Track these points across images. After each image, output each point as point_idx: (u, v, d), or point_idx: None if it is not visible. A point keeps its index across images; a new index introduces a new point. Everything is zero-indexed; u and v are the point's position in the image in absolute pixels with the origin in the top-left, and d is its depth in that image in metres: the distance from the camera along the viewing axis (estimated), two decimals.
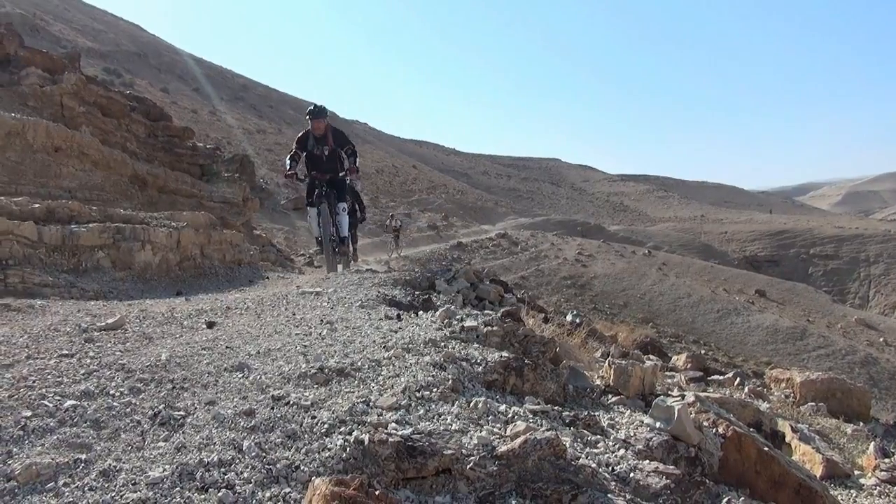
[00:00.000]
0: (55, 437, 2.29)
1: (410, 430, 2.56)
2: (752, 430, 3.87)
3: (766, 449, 3.43)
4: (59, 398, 2.59)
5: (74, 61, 16.74)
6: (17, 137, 10.78)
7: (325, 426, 2.53)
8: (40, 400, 2.55)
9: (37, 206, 8.42)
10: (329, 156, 9.41)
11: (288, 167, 9.32)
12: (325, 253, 9.50)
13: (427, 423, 2.71)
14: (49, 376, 2.87)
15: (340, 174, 9.51)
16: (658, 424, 3.24)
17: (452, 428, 2.69)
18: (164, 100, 49.94)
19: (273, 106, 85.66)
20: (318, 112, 9.33)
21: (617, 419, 3.50)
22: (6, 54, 14.34)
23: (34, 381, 2.78)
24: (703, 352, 22.18)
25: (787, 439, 5.09)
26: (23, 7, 55.47)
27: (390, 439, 2.39)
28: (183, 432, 2.42)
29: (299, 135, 9.61)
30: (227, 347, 3.62)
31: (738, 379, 9.41)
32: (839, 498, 4.13)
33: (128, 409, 2.57)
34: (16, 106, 12.51)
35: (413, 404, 2.86)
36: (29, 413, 2.43)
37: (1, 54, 14.19)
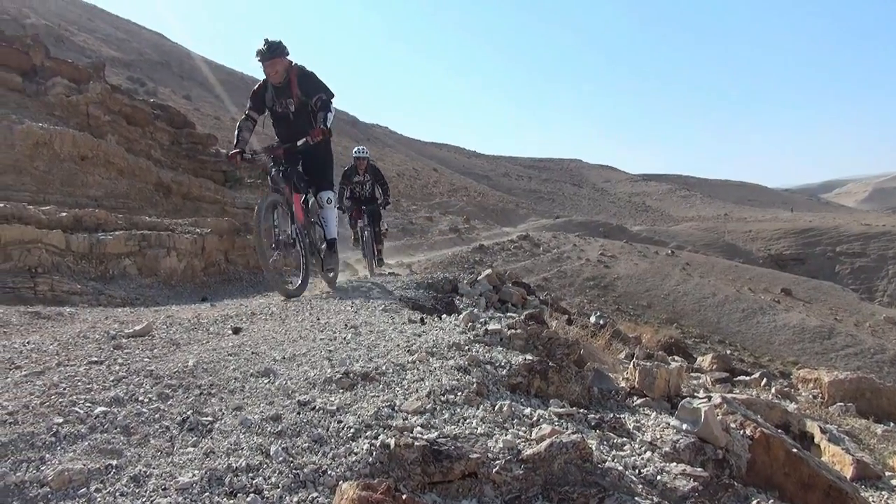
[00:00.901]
0: (86, 444, 2.32)
1: (436, 434, 2.57)
2: (780, 431, 3.83)
3: (794, 450, 3.39)
4: (89, 405, 2.63)
5: (99, 71, 16.98)
6: (45, 147, 10.96)
7: (352, 431, 2.54)
8: (71, 406, 2.59)
9: (64, 214, 8.55)
10: (298, 112, 6.74)
11: (235, 142, 6.70)
12: (266, 268, 6.19)
13: (452, 426, 2.72)
14: (79, 383, 2.91)
15: (302, 141, 6.53)
16: (685, 426, 3.22)
17: (478, 432, 2.69)
18: (186, 107, 50.49)
19: None
20: (272, 49, 6.42)
21: (643, 421, 3.48)
22: (33, 65, 14.59)
23: (65, 388, 2.82)
24: (728, 352, 21.96)
25: (816, 440, 5.03)
26: (48, 18, 56.42)
27: (416, 443, 2.40)
28: (211, 438, 2.45)
29: (254, 88, 6.91)
30: (252, 353, 3.65)
31: (765, 379, 9.31)
32: (870, 500, 4.07)
33: (157, 415, 2.60)
34: (43, 116, 12.72)
35: (438, 408, 2.87)
36: (60, 419, 2.46)
37: (28, 65, 14.43)
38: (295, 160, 6.69)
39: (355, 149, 12.00)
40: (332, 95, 6.77)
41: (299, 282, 6.57)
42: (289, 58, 6.59)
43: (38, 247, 7.46)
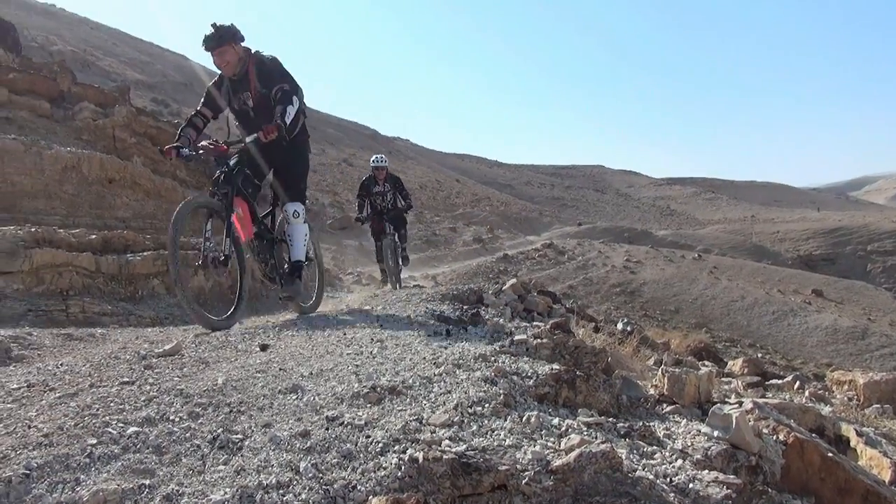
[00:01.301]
0: (120, 464, 2.35)
1: (464, 446, 2.57)
2: (814, 435, 3.77)
3: (830, 455, 3.34)
4: (122, 425, 2.67)
5: (124, 94, 17.30)
6: (73, 171, 11.17)
7: (380, 445, 2.55)
8: (104, 427, 2.63)
9: (94, 237, 8.70)
10: (258, 108, 5.75)
11: (177, 137, 5.76)
12: (178, 290, 5.04)
13: (480, 439, 2.71)
14: (112, 404, 2.95)
15: (251, 138, 5.56)
16: (716, 433, 3.18)
17: (506, 443, 2.68)
18: (211, 126, 51.10)
19: (315, 126, 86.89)
20: (221, 35, 5.48)
21: (673, 429, 3.44)
22: (60, 91, 14.90)
23: (98, 409, 2.87)
24: (759, 355, 21.66)
25: (852, 444, 4.94)
26: (74, 44, 57.60)
27: (444, 456, 2.40)
28: (241, 455, 2.47)
29: (212, 82, 6.03)
30: (280, 369, 3.67)
31: (798, 382, 9.15)
32: None
33: (187, 434, 2.63)
34: (71, 140, 12.97)
35: (466, 420, 2.87)
36: (94, 440, 2.50)
37: (56, 91, 14.74)
38: (241, 162, 5.64)
39: (373, 157, 11.48)
40: (297, 86, 5.78)
41: (231, 310, 5.52)
42: (244, 44, 5.65)
43: (69, 269, 7.59)
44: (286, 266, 6.07)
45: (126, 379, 3.41)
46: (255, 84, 5.68)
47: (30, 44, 41.64)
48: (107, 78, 48.68)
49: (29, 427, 2.65)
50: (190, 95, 68.69)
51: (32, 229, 8.06)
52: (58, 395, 3.10)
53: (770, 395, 7.04)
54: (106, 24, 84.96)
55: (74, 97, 15.02)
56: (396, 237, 11.31)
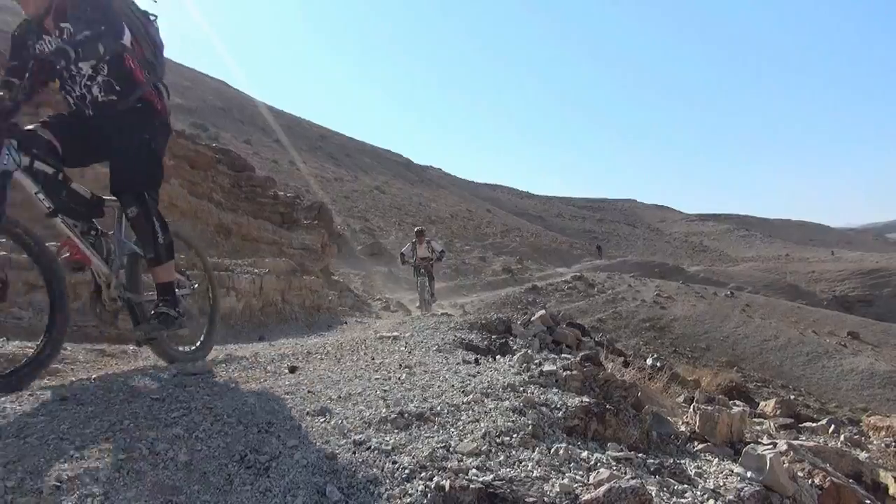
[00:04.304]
0: (148, 480, 2.37)
1: (491, 476, 2.54)
2: (851, 481, 3.67)
3: (867, 502, 3.24)
4: (151, 441, 2.68)
5: None
6: None
7: (406, 471, 2.53)
8: (135, 443, 2.65)
9: None
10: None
11: None
12: None
13: (508, 469, 2.68)
14: (142, 420, 2.97)
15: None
16: (749, 474, 3.11)
17: (534, 475, 2.65)
18: (247, 151, 52.10)
19: (350, 155, 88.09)
20: None
21: (704, 468, 3.37)
22: None
23: (128, 425, 2.89)
24: (792, 397, 21.18)
25: (891, 491, 4.79)
26: None
27: (471, 486, 2.37)
28: (268, 476, 2.47)
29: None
30: (308, 392, 3.68)
31: (833, 426, 8.92)
32: None
33: (216, 453, 2.64)
34: None
35: (493, 450, 2.84)
36: (124, 456, 2.52)
37: None
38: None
39: None
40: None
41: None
42: None
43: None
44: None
45: (157, 396, 3.44)
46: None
47: None
48: None
49: (61, 440, 2.68)
50: (228, 120, 70.09)
51: None
52: (90, 409, 3.13)
53: (804, 438, 6.87)
54: None
55: None
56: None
